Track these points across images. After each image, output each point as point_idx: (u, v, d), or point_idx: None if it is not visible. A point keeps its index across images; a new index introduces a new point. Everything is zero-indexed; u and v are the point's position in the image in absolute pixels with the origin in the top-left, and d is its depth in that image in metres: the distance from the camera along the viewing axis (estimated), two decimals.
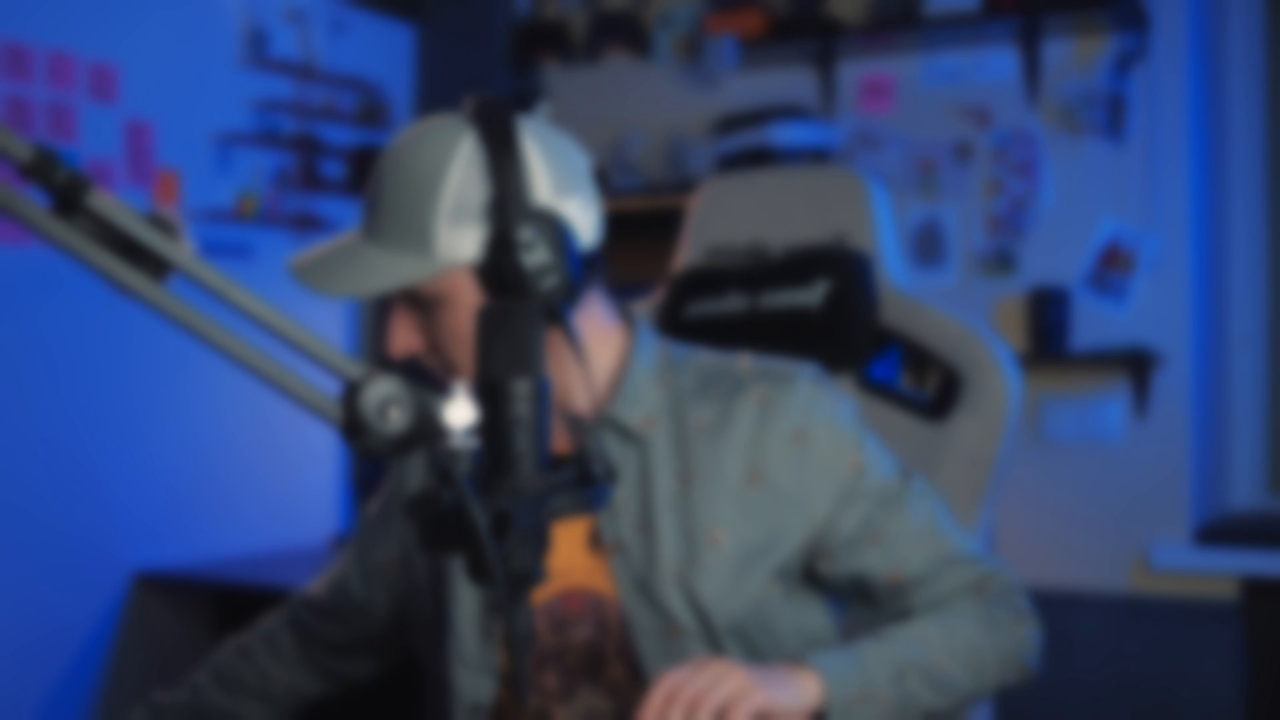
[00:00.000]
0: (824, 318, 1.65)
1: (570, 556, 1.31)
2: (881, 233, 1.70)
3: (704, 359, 1.36)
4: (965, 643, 1.26)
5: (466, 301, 1.22)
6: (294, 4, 3.38)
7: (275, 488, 3.28)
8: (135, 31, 2.97)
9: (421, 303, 1.24)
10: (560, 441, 1.33)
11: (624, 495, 1.30)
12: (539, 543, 0.95)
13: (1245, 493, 3.14)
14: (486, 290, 1.20)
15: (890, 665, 1.21)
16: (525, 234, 1.18)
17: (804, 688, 1.15)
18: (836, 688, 1.16)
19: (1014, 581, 1.34)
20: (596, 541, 1.31)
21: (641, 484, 1.31)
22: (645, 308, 1.78)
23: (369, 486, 3.24)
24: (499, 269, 1.18)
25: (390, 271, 1.21)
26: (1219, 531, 2.99)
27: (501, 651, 1.32)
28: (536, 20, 3.73)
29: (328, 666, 1.55)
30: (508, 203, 1.18)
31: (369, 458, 0.89)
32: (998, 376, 1.57)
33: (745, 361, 1.35)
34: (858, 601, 1.35)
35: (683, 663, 1.16)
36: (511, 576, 0.93)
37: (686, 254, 1.81)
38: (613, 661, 1.31)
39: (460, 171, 1.19)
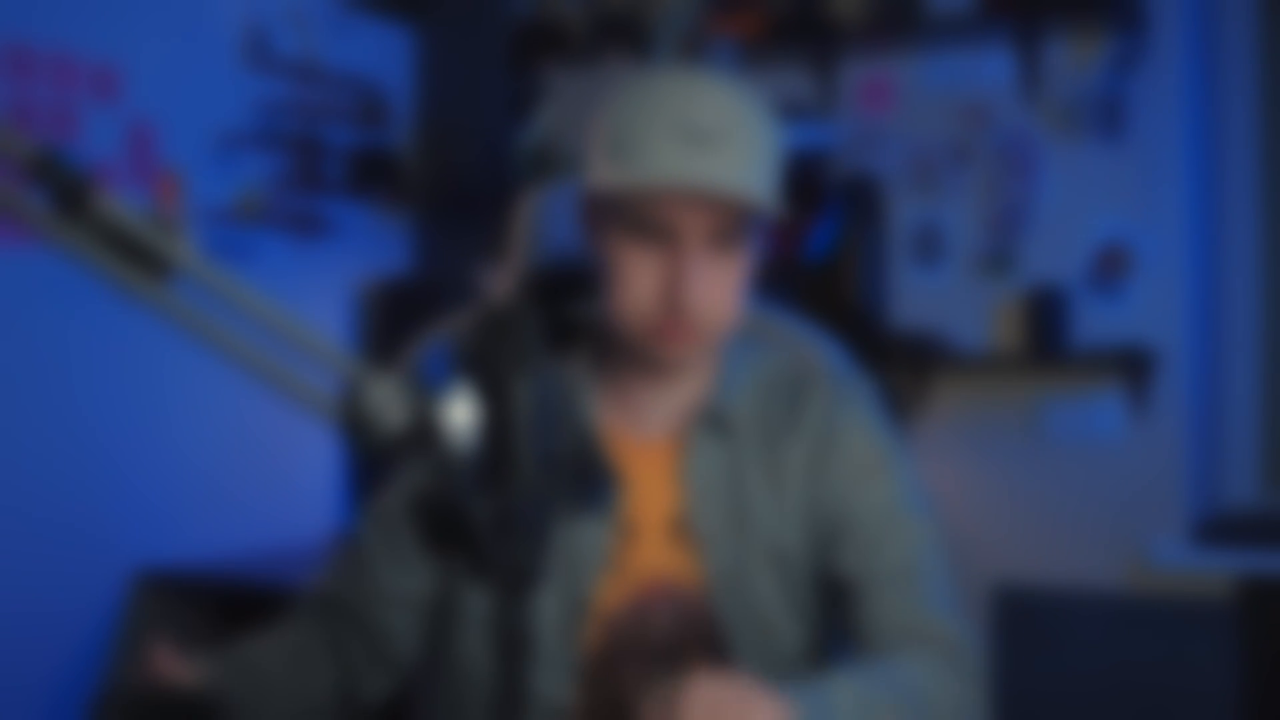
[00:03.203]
0: None
1: (653, 547, 1.30)
2: None
3: (772, 352, 1.38)
4: (921, 695, 1.19)
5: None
6: (295, 5, 3.38)
7: (274, 484, 3.28)
8: (137, 32, 2.98)
9: (740, 240, 1.23)
10: (661, 436, 1.32)
11: (715, 489, 1.30)
12: (539, 542, 0.96)
13: (1243, 491, 3.14)
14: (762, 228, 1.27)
15: (856, 697, 1.13)
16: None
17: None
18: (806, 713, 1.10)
19: (970, 642, 1.28)
20: (682, 533, 1.30)
21: (732, 478, 1.30)
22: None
23: (367, 482, 3.24)
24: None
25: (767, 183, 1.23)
26: (1216, 529, 2.99)
27: (583, 650, 1.29)
28: (536, 20, 3.73)
29: (354, 678, 1.39)
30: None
31: (371, 456, 0.89)
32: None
33: (807, 357, 1.38)
34: (837, 604, 1.30)
35: (770, 652, 1.25)
36: (511, 576, 0.93)
37: (520, 261, 1.77)
38: (694, 652, 1.29)
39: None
